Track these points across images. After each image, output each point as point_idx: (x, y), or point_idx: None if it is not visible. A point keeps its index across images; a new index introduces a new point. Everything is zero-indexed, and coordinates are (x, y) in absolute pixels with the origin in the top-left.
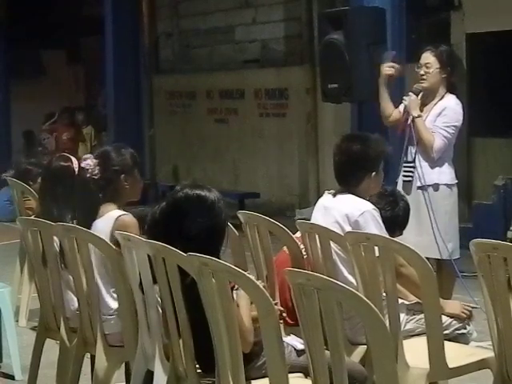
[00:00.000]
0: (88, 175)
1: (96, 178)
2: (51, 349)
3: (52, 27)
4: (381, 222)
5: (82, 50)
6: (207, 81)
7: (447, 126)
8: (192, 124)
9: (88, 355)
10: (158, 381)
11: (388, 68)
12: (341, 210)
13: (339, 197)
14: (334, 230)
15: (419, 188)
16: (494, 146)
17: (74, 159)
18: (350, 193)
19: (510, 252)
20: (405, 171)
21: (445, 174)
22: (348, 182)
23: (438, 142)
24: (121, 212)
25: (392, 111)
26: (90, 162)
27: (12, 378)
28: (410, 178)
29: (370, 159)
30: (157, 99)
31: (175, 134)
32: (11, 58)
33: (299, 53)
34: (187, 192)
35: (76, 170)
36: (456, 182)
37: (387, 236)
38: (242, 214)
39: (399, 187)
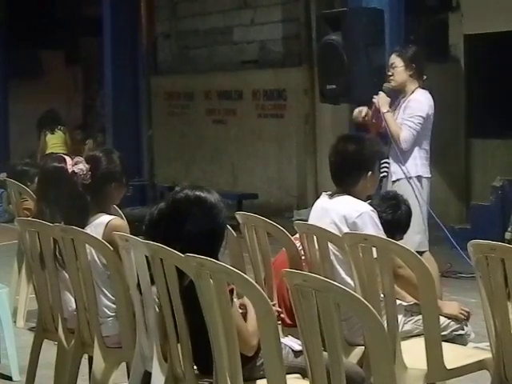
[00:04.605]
0: (80, 180)
1: (87, 183)
2: (49, 350)
3: (51, 27)
4: (379, 223)
5: (81, 50)
6: (205, 82)
7: (411, 117)
8: (190, 125)
9: (86, 356)
10: (155, 382)
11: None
12: (338, 211)
13: (336, 198)
14: (332, 231)
15: (393, 182)
16: (492, 147)
17: (68, 159)
18: (347, 193)
19: (508, 253)
20: (381, 167)
21: (413, 167)
22: (344, 182)
23: (404, 133)
24: (110, 217)
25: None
26: (82, 166)
27: (10, 378)
28: (385, 174)
29: (365, 159)
30: (155, 100)
31: (173, 134)
32: (10, 58)
33: (297, 54)
34: (187, 193)
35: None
36: (429, 176)
37: (385, 237)
38: (240, 215)
39: None
